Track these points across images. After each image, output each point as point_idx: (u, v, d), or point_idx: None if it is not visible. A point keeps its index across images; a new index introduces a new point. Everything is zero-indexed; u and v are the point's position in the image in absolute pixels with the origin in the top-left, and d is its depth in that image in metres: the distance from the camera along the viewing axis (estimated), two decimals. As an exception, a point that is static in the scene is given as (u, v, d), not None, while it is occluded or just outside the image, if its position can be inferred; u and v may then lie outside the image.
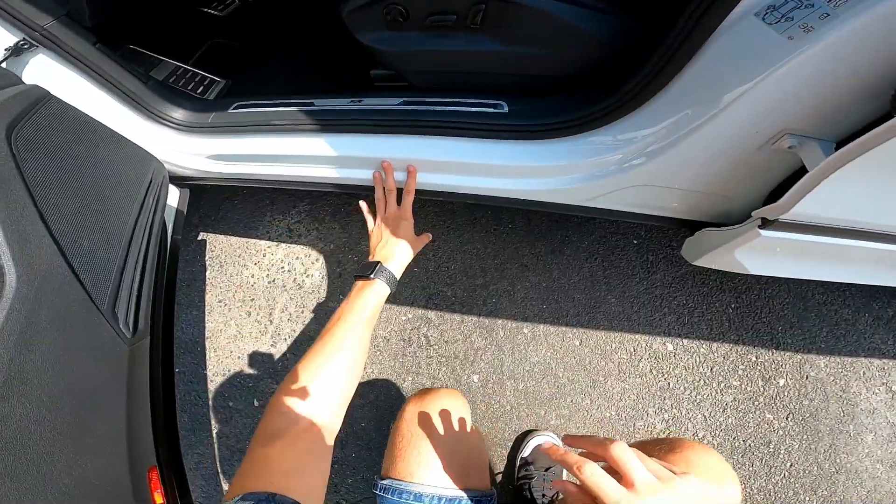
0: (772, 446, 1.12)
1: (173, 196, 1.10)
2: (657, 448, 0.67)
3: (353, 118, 0.90)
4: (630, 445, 0.49)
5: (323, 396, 0.60)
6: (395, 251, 0.83)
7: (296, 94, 0.97)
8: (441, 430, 0.73)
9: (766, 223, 0.68)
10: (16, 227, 0.59)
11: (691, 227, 0.92)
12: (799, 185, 0.59)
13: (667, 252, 1.28)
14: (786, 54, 0.53)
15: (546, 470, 1.07)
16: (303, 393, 0.59)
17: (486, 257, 1.33)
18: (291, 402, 0.58)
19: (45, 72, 0.84)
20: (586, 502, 0.44)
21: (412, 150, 0.89)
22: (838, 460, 1.11)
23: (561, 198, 0.89)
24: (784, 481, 1.10)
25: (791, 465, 1.11)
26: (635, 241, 1.30)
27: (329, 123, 0.91)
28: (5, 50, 0.76)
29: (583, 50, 0.81)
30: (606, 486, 0.41)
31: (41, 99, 0.69)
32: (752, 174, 0.71)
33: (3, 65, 0.80)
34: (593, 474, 0.42)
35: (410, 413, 0.76)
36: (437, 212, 1.38)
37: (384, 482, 0.71)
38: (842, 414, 1.14)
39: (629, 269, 1.28)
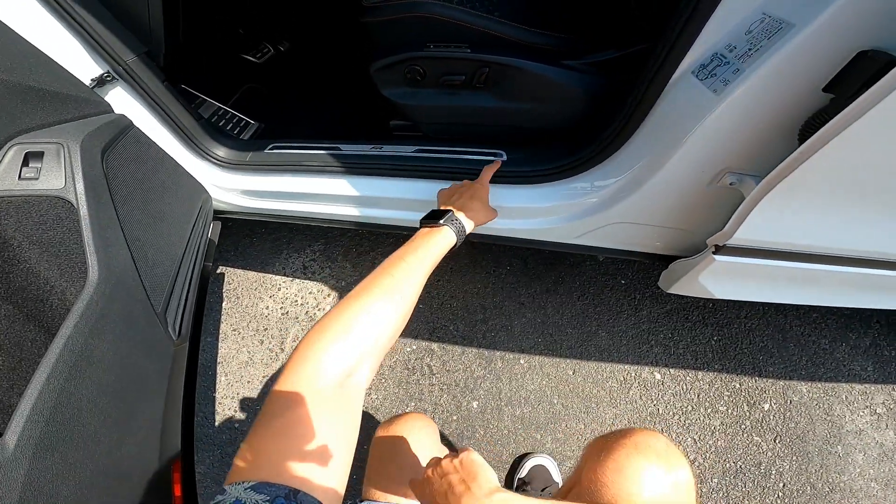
0: (763, 468, 1.17)
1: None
2: (612, 437, 0.72)
3: (374, 163, 1.05)
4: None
5: (368, 343, 0.50)
6: (468, 205, 0.77)
7: (323, 138, 1.13)
8: (410, 452, 0.76)
9: (718, 249, 0.81)
10: (103, 232, 0.72)
11: (667, 260, 1.05)
12: (737, 213, 0.72)
13: (652, 291, 1.40)
14: (713, 105, 0.66)
15: (542, 490, 1.12)
16: (346, 333, 0.49)
17: (486, 296, 1.45)
18: (336, 344, 0.48)
19: (120, 103, 0.97)
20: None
21: (425, 193, 1.03)
22: (831, 480, 1.16)
23: (551, 236, 1.03)
24: (778, 502, 1.14)
25: (784, 486, 1.15)
26: (623, 282, 1.43)
27: (353, 166, 1.06)
28: (91, 80, 0.90)
29: (566, 104, 0.99)
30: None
31: (127, 128, 0.84)
32: (706, 209, 0.85)
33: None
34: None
35: (380, 438, 0.79)
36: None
37: None
38: (828, 435, 1.20)
39: (618, 306, 1.39)
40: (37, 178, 0.70)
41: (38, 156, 0.71)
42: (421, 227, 0.72)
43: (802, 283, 0.89)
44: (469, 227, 0.75)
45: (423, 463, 0.75)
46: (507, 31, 1.00)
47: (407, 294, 0.57)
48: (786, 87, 0.61)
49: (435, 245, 0.67)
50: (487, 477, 0.51)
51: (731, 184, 0.76)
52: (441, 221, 0.70)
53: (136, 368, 0.76)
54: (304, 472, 0.38)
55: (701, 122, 0.68)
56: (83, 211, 0.70)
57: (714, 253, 0.81)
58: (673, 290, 0.99)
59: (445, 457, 0.57)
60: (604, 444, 0.71)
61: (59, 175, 0.70)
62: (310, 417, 0.42)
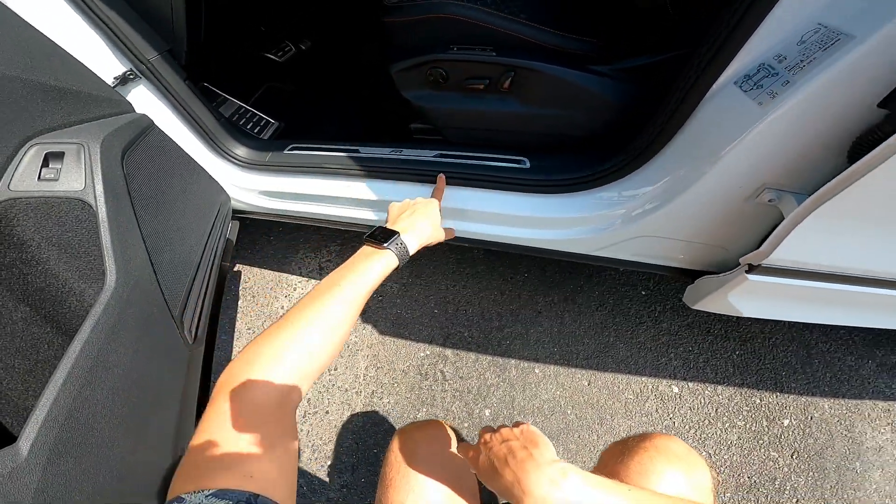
0: (777, 483, 1.15)
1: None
2: (632, 440, 0.74)
3: (393, 167, 1.03)
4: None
5: (298, 374, 0.51)
6: (417, 225, 0.75)
7: (343, 139, 1.11)
8: (427, 459, 0.74)
9: (752, 268, 0.78)
10: (122, 236, 0.71)
11: (693, 276, 1.01)
12: (775, 233, 0.69)
13: (673, 302, 1.37)
14: (757, 118, 0.63)
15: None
16: (277, 363, 0.50)
17: (502, 303, 1.43)
18: (271, 371, 0.49)
19: (143, 101, 0.97)
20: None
21: (445, 199, 1.00)
22: (846, 496, 1.13)
23: (573, 247, 0.99)
24: (791, 518, 1.12)
25: (797, 501, 1.13)
26: (643, 292, 1.39)
27: (372, 170, 1.04)
28: (114, 78, 0.90)
29: (594, 111, 0.96)
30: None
31: (148, 128, 0.83)
32: (742, 226, 0.82)
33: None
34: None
35: (398, 444, 0.77)
36: (458, 259, 1.50)
37: None
38: (848, 452, 1.18)
39: (637, 317, 1.36)
40: (56, 179, 0.69)
41: (59, 156, 0.70)
42: (365, 243, 0.70)
43: (836, 303, 0.85)
44: (413, 249, 0.73)
45: (444, 470, 0.74)
46: (533, 34, 0.97)
47: (340, 324, 0.57)
48: (839, 102, 0.58)
49: (375, 269, 0.65)
50: (549, 447, 0.52)
51: (769, 201, 0.73)
52: (385, 245, 0.68)
53: (152, 373, 0.75)
54: (259, 479, 0.39)
55: (743, 135, 0.65)
56: (102, 213, 0.69)
57: (747, 272, 0.78)
58: (699, 307, 0.96)
59: (500, 426, 0.59)
60: (624, 448, 0.73)
61: (78, 176, 0.69)
62: (255, 431, 0.43)
